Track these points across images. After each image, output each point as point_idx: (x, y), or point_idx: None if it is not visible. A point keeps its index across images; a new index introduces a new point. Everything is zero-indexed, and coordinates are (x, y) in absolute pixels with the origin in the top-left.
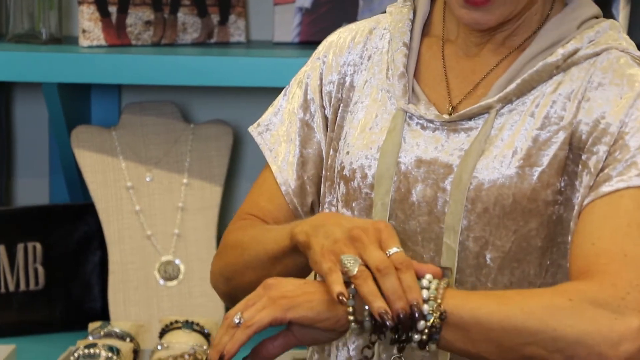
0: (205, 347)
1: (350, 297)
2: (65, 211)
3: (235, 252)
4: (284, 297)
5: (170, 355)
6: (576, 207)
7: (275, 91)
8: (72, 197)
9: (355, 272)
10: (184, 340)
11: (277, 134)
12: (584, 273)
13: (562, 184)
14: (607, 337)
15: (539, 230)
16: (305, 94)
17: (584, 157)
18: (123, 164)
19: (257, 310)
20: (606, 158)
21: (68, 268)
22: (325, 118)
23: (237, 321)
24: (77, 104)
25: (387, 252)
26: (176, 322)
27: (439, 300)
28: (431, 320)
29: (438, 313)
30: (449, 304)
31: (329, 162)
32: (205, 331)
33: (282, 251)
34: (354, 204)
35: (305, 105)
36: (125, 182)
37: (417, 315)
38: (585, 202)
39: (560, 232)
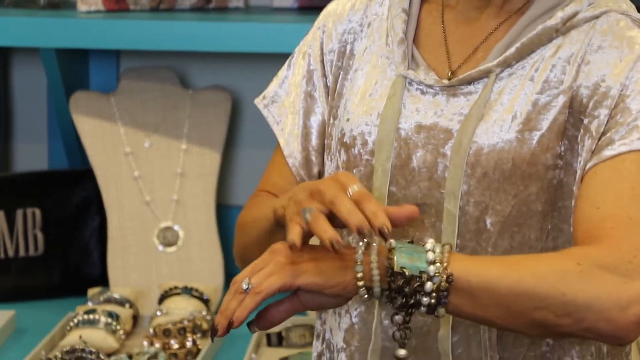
0: (204, 312)
1: (359, 263)
2: (64, 177)
3: (244, 232)
4: (293, 262)
5: (170, 321)
6: (578, 172)
7: (274, 57)
8: (70, 163)
9: (309, 218)
10: (183, 306)
11: (282, 106)
12: (590, 237)
13: (562, 148)
14: (616, 301)
15: (539, 195)
16: (308, 64)
17: (585, 121)
18: (122, 130)
19: (265, 275)
20: (608, 122)
21: (67, 234)
22: (327, 87)
23: (245, 287)
24: (75, 69)
25: (348, 193)
26: (175, 288)
27: (444, 264)
28: (438, 283)
29: (445, 276)
30: (456, 268)
31: (330, 130)
32: (204, 297)
33: (272, 227)
34: (354, 171)
35: (309, 76)
36: (124, 148)
37: (387, 235)
38: (588, 166)
39: (561, 197)
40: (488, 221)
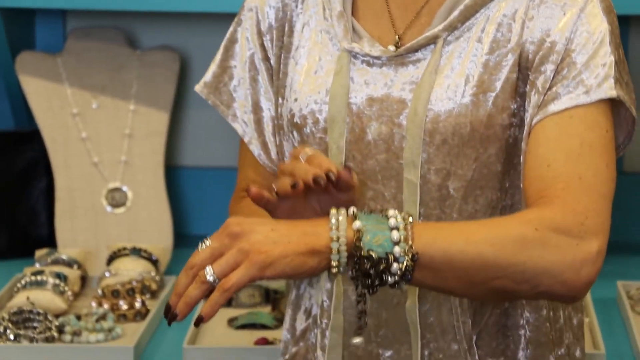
0: (153, 273)
1: (334, 252)
2: (11, 138)
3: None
4: (258, 252)
5: (118, 282)
6: (525, 128)
7: (222, 16)
8: (17, 124)
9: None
10: (131, 267)
11: (227, 91)
12: (542, 197)
13: (515, 106)
14: (570, 264)
15: (498, 155)
16: (247, 47)
17: (531, 77)
18: (69, 91)
19: (229, 266)
20: (554, 77)
21: (14, 195)
22: (271, 69)
23: (210, 279)
24: (21, 29)
25: (301, 159)
26: (124, 249)
27: (410, 242)
28: (404, 263)
29: (410, 255)
30: (419, 244)
31: (280, 110)
32: (153, 258)
33: None
34: None
35: (250, 61)
36: (71, 108)
37: (332, 178)
38: (535, 120)
39: (517, 154)
40: (451, 187)
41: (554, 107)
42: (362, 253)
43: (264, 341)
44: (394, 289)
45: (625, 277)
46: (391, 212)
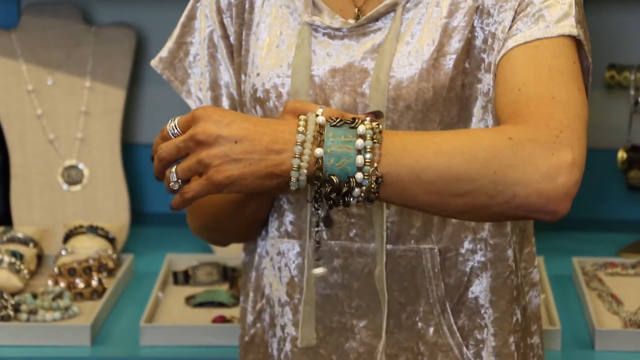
0: (110, 251)
1: (294, 168)
2: None
3: (203, 210)
4: (217, 171)
5: (75, 260)
6: (492, 68)
7: None
8: None
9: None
10: (88, 245)
11: (182, 67)
12: (517, 117)
13: (471, 64)
14: (544, 173)
15: (460, 116)
16: (205, 24)
17: (492, 29)
18: (24, 67)
19: (191, 172)
20: (513, 19)
21: None
22: (230, 46)
23: (173, 181)
24: None
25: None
26: (80, 227)
27: (374, 165)
28: (367, 185)
29: (374, 178)
30: (385, 164)
31: (243, 87)
32: (110, 236)
33: (242, 200)
34: None
35: (209, 37)
36: (26, 85)
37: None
38: (500, 55)
39: (476, 113)
40: None
41: (516, 39)
42: (322, 178)
43: (222, 319)
44: (360, 204)
45: (580, 254)
46: (361, 128)
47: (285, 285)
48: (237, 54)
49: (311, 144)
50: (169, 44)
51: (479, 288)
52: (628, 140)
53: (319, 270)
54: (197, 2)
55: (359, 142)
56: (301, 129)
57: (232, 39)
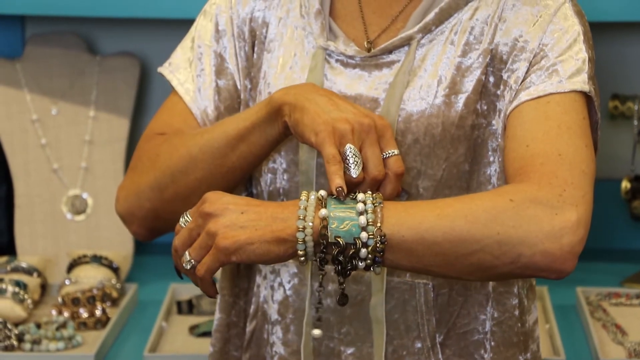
0: (113, 281)
1: (299, 241)
2: None
3: (173, 155)
4: (224, 237)
5: (79, 290)
6: (501, 123)
7: (182, 22)
8: None
9: (355, 177)
10: (92, 275)
11: (184, 65)
12: (521, 174)
13: (485, 107)
14: (549, 233)
15: (466, 155)
16: (217, 25)
17: (505, 76)
18: (28, 97)
19: (202, 249)
20: (527, 71)
21: None
22: (239, 52)
23: (189, 267)
24: None
25: (385, 154)
26: (84, 256)
27: (378, 224)
28: (372, 245)
29: (379, 237)
30: (389, 225)
31: (255, 97)
32: (114, 265)
33: (253, 125)
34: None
35: (217, 37)
36: (31, 115)
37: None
38: (511, 107)
39: (484, 154)
40: (420, 186)
41: (529, 92)
42: (328, 240)
43: None
44: (369, 271)
45: (584, 284)
46: (360, 195)
47: (277, 303)
48: (250, 62)
49: (314, 207)
50: (179, 50)
51: (473, 325)
52: (632, 170)
53: (318, 332)
54: (210, 7)
55: (360, 206)
56: (303, 198)
57: (242, 44)
